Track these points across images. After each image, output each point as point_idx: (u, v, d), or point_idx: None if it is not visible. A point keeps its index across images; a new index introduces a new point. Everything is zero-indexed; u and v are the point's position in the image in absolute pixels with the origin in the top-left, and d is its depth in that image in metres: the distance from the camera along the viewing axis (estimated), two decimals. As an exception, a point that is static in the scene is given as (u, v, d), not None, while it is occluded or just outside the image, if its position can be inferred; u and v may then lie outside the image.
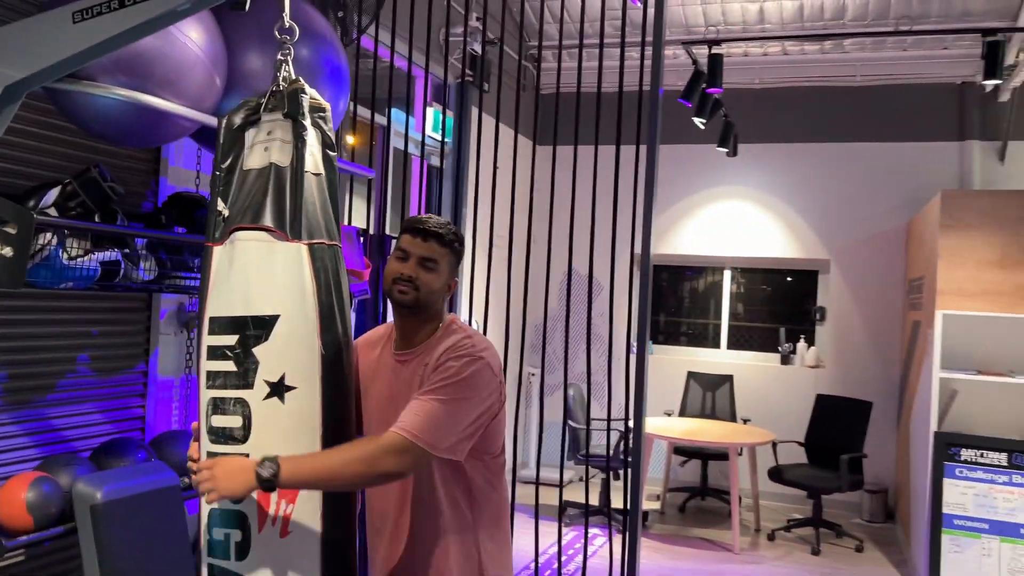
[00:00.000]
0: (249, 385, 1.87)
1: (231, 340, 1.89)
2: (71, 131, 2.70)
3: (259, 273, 1.89)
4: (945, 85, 6.49)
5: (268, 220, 1.90)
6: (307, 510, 1.89)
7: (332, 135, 2.06)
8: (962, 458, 4.55)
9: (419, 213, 5.53)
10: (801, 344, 6.90)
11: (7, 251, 2.21)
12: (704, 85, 5.25)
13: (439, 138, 5.58)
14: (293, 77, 1.96)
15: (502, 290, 4.68)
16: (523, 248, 6.04)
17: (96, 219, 2.50)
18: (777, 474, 5.76)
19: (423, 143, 4.09)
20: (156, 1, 2.02)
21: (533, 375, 6.90)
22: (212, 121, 2.49)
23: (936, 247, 4.81)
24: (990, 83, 4.94)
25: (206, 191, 3.46)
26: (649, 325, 3.77)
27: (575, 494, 6.41)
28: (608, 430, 3.90)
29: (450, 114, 5.83)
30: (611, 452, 5.49)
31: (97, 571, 2.34)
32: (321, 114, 2.00)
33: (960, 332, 4.75)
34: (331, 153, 2.03)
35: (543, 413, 3.84)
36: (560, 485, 3.95)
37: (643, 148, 3.45)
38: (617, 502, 5.99)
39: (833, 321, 6.81)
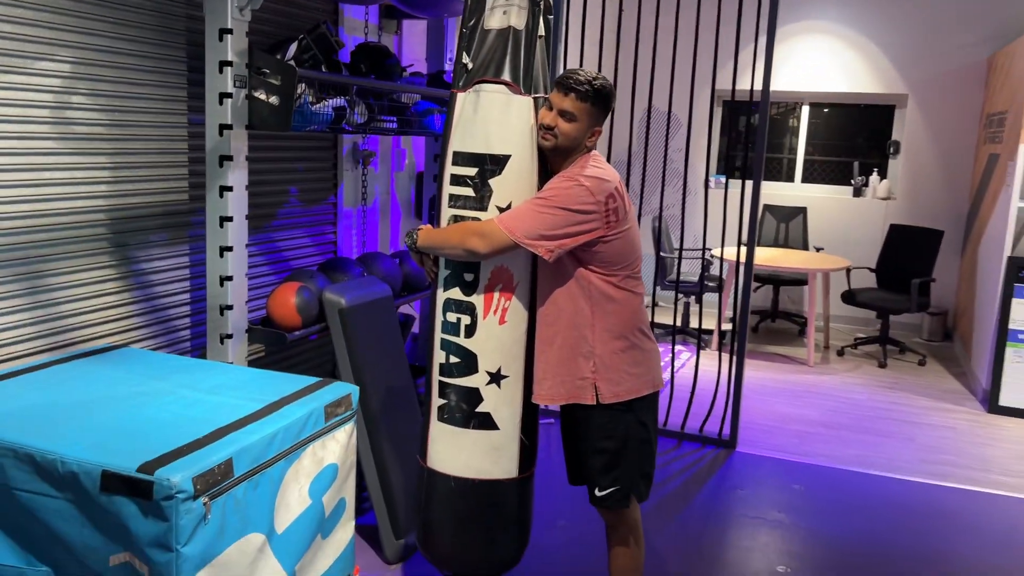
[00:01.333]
0: (484, 208, 2.35)
1: (471, 171, 2.35)
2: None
3: (497, 119, 2.33)
4: (1041, -86, 6.45)
5: (507, 75, 2.32)
6: (520, 305, 2.40)
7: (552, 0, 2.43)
8: (1031, 280, 5.02)
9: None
10: (874, 177, 7.22)
11: (274, 99, 2.66)
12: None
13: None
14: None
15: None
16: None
17: (323, 69, 2.91)
18: (850, 297, 6.27)
19: None
20: None
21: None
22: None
23: (1025, 83, 5.05)
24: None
25: (374, 39, 3.84)
26: (764, 159, 4.18)
27: (658, 317, 7.02)
28: (688, 259, 4.37)
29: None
30: (699, 278, 6.01)
31: (347, 359, 2.93)
32: (546, -20, 2.36)
33: (1040, 164, 5.08)
34: (550, 17, 2.41)
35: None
36: (675, 304, 4.50)
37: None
38: (695, 323, 6.59)
39: (906, 155, 7.10)
